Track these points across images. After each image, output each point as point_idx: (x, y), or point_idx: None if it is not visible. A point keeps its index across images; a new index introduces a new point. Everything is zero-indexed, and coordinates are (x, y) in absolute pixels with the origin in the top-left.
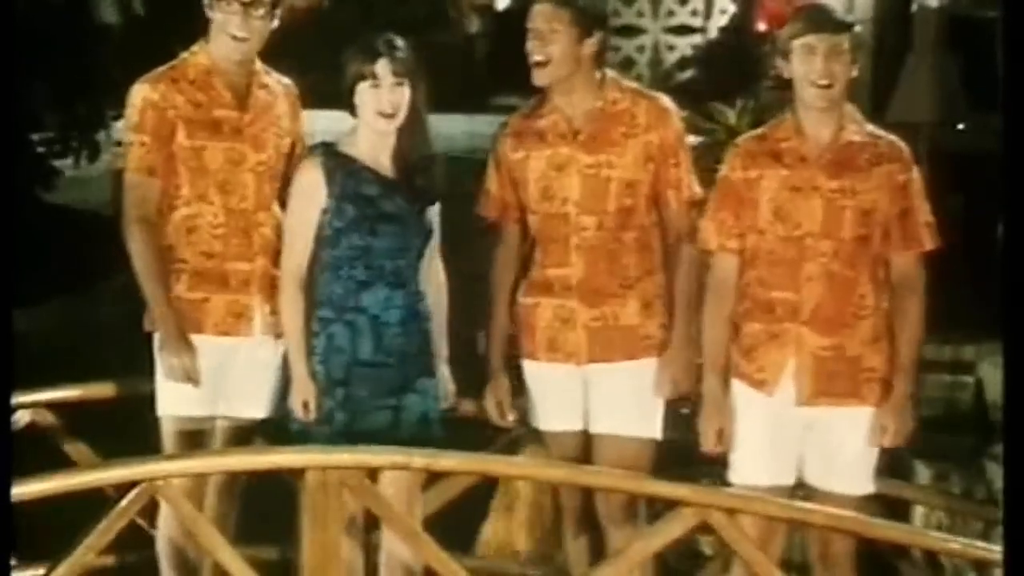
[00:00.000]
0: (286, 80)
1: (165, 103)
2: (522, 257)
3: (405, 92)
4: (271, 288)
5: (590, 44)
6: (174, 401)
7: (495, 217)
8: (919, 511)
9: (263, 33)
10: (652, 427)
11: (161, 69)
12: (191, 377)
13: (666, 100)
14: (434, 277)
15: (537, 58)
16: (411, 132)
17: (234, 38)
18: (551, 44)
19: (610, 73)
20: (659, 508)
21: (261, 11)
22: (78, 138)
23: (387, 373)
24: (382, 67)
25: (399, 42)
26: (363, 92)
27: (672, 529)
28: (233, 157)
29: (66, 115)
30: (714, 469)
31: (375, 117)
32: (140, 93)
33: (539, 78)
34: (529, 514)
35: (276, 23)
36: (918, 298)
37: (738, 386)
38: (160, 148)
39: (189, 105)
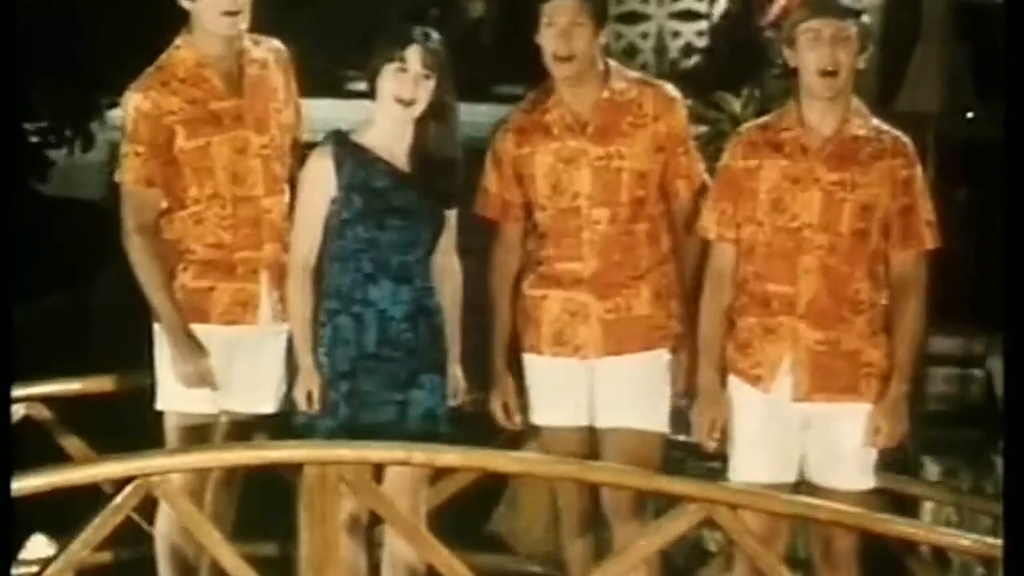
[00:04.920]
0: (274, 44)
1: (159, 111)
2: (523, 255)
3: (430, 85)
4: (281, 274)
5: (603, 36)
6: (177, 397)
7: (494, 216)
8: (927, 507)
9: (248, 3)
10: (660, 420)
11: (149, 71)
12: (207, 382)
13: (671, 88)
14: (449, 273)
15: (564, 54)
16: (438, 130)
17: (228, 14)
18: (577, 39)
19: (613, 64)
20: (664, 503)
21: None
22: (72, 128)
23: (392, 367)
24: (412, 53)
25: (435, 35)
26: (387, 75)
27: (677, 525)
28: (238, 145)
29: (59, 104)
30: (714, 465)
31: (392, 102)
32: (131, 102)
33: (562, 71)
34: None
35: None
36: (917, 297)
37: (735, 382)
38: (157, 156)
39: (186, 105)
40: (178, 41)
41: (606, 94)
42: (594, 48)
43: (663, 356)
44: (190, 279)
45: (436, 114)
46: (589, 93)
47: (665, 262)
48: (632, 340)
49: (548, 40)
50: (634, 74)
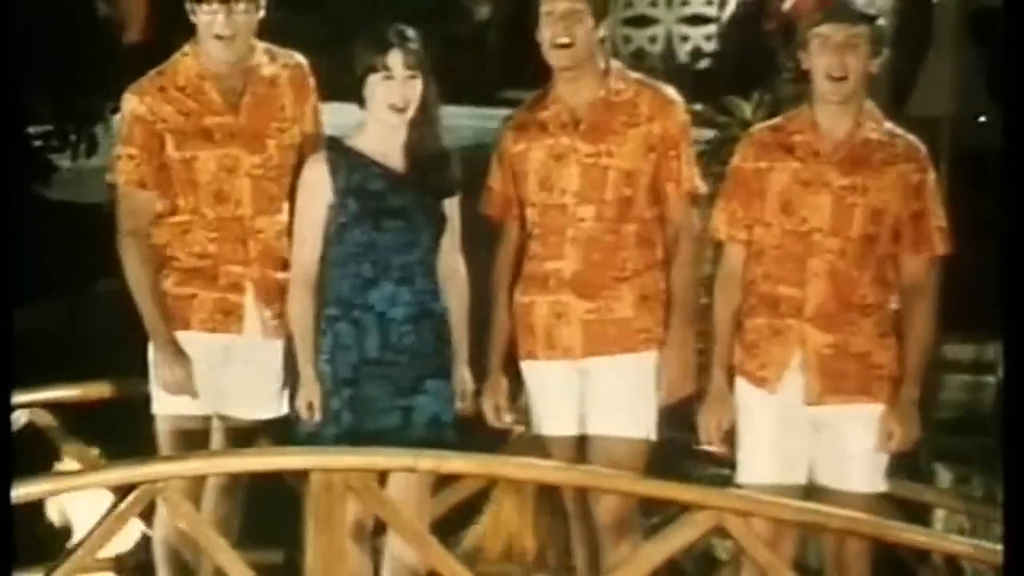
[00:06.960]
0: (295, 59)
1: (153, 116)
2: (521, 254)
3: (417, 85)
4: (269, 292)
5: (602, 30)
6: (170, 400)
7: (497, 214)
8: (939, 514)
9: (250, 27)
10: (647, 426)
11: (151, 75)
12: (186, 390)
13: (671, 91)
14: (453, 273)
15: (563, 40)
16: (422, 126)
17: (219, 38)
18: (575, 25)
19: (615, 64)
20: (656, 520)
21: (243, 5)
22: (76, 132)
23: (396, 372)
24: (394, 58)
25: (411, 33)
26: (374, 84)
27: (686, 533)
28: (227, 164)
29: (63, 108)
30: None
31: (386, 110)
32: (128, 104)
33: (560, 59)
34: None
35: (262, 13)
36: (928, 302)
37: (741, 383)
38: (150, 160)
39: (178, 115)
40: (186, 48)
41: (603, 93)
42: (593, 39)
43: (649, 359)
44: (172, 285)
45: (423, 110)
46: (587, 91)
47: (656, 267)
48: (612, 341)
49: (547, 28)
50: (635, 75)
